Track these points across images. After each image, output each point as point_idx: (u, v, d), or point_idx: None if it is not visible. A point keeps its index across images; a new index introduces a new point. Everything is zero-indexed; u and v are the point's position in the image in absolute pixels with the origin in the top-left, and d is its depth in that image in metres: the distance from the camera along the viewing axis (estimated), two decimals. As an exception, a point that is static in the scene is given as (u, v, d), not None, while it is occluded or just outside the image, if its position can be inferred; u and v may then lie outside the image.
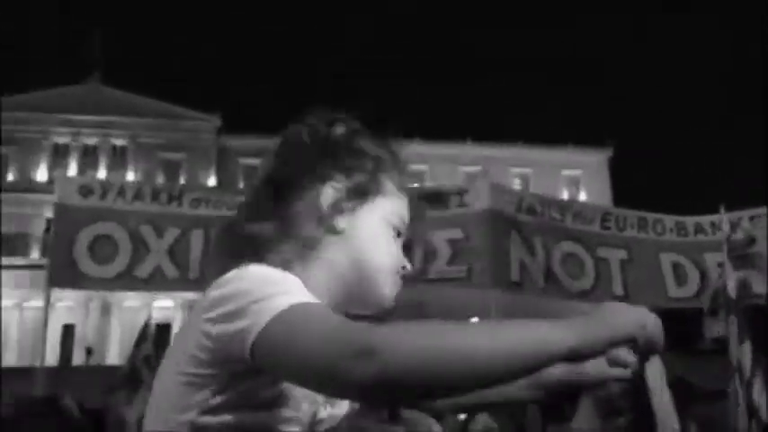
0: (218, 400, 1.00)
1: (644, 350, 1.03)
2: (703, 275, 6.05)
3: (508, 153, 41.09)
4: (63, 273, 5.69)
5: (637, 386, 1.16)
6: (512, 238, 5.80)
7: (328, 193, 1.16)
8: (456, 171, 38.73)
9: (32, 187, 36.53)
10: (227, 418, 1.00)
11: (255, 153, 30.21)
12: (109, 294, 32.17)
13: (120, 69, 51.12)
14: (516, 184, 35.46)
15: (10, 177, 38.14)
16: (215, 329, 0.99)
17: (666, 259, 6.13)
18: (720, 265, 5.45)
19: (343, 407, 1.13)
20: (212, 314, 1.00)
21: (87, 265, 5.63)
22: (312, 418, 1.08)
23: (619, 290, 5.94)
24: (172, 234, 5.71)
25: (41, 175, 37.82)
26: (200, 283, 4.25)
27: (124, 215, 5.77)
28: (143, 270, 5.65)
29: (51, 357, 28.00)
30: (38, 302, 27.63)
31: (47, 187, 28.25)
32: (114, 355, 32.74)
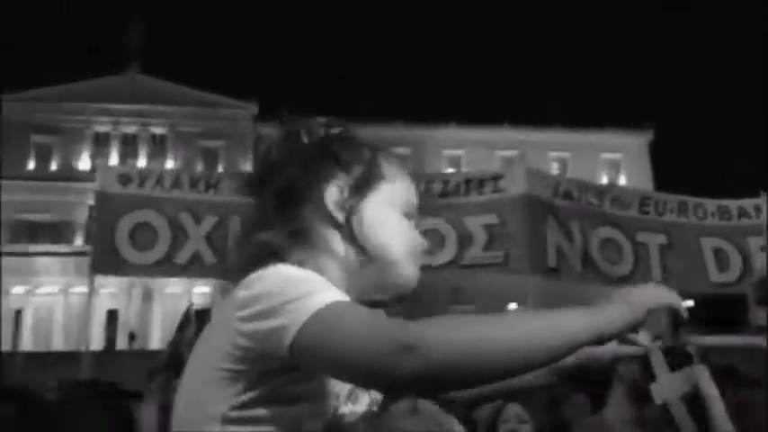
0: (249, 395, 1.03)
1: (670, 321, 1.10)
2: (746, 260, 5.92)
3: (545, 137, 40.61)
4: (105, 259, 5.82)
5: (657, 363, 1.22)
6: (548, 224, 5.73)
7: (333, 191, 1.18)
8: (492, 156, 38.39)
9: (75, 176, 37.28)
10: (256, 412, 1.03)
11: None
12: (150, 281, 32.71)
13: (158, 58, 51.72)
14: (554, 169, 35.04)
15: (53, 167, 38.98)
16: (248, 327, 1.02)
17: (708, 244, 6.01)
18: (763, 249, 5.34)
19: (363, 403, 1.16)
20: (244, 313, 1.03)
21: (128, 252, 5.74)
22: (334, 413, 1.10)
23: (658, 275, 5.85)
24: (210, 221, 5.77)
25: (84, 163, 38.56)
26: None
27: (162, 203, 5.86)
28: (182, 257, 5.74)
29: (96, 342, 28.71)
30: (82, 288, 28.30)
31: (89, 176, 28.88)
32: (156, 340, 33.38)
